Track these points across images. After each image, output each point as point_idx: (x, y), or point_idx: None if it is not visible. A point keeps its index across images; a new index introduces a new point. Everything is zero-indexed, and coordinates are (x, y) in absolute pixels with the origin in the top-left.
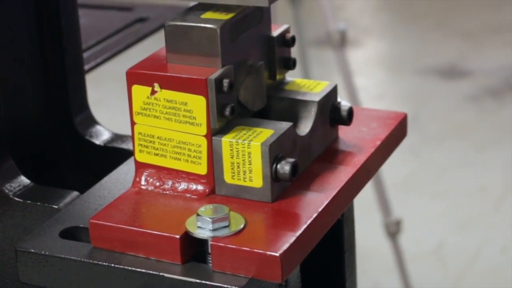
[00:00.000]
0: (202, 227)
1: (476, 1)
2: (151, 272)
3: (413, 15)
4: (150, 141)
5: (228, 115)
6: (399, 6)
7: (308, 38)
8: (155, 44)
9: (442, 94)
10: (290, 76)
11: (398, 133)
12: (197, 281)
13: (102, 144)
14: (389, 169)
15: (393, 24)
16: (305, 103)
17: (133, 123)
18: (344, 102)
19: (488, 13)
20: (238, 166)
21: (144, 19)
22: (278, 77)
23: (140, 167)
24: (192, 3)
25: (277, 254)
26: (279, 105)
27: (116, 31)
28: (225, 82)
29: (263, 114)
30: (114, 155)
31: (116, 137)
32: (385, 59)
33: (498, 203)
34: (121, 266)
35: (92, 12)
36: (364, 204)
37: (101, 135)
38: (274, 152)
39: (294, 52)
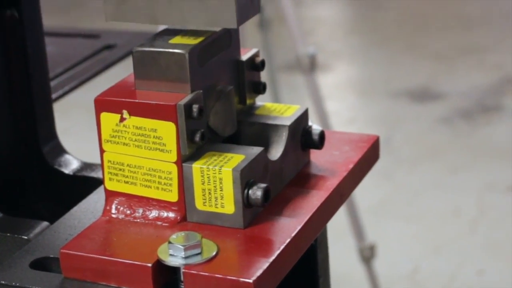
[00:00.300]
0: (174, 254)
1: (446, 23)
2: None
3: (383, 38)
4: (120, 169)
5: (198, 141)
6: (369, 29)
7: (278, 62)
8: (123, 71)
9: (414, 116)
10: (261, 101)
11: (370, 156)
12: None
13: (71, 173)
14: (362, 193)
15: (363, 47)
16: (276, 127)
17: (102, 151)
18: (315, 126)
19: (458, 35)
20: (210, 193)
21: (111, 46)
22: (248, 101)
23: (110, 195)
24: (161, 28)
25: (251, 281)
26: (250, 130)
27: (83, 58)
28: (195, 107)
29: (234, 139)
30: (83, 184)
31: (85, 166)
32: (356, 83)
33: (472, 225)
34: None
35: (59, 40)
36: (338, 229)
37: (70, 164)
38: (246, 177)
39: (264, 76)
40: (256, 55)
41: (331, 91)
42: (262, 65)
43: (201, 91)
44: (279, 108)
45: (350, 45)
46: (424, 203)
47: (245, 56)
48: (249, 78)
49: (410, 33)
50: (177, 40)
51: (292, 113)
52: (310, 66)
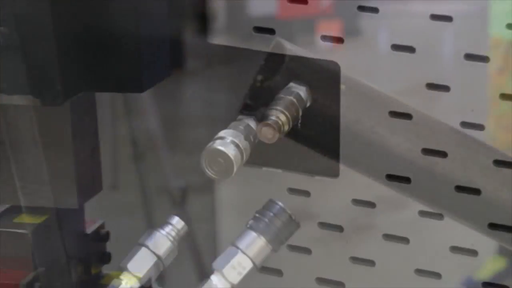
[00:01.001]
0: None
1: None
2: None
3: (262, 158)
4: None
5: None
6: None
7: (152, 187)
8: None
9: (292, 236)
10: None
11: None
12: None
13: None
14: None
15: (242, 168)
16: None
17: None
18: None
19: None
20: None
21: None
22: (94, 271)
23: None
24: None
25: None
26: None
27: None
28: (36, 286)
29: None
30: None
31: None
32: (235, 204)
33: None
34: None
35: None
36: None
37: None
38: None
39: (138, 201)
40: (101, 227)
41: (210, 213)
42: (107, 236)
43: (44, 268)
44: (123, 277)
45: None
46: None
47: (90, 228)
48: (94, 248)
49: (287, 150)
50: (21, 218)
51: (133, 283)
52: (181, 199)
